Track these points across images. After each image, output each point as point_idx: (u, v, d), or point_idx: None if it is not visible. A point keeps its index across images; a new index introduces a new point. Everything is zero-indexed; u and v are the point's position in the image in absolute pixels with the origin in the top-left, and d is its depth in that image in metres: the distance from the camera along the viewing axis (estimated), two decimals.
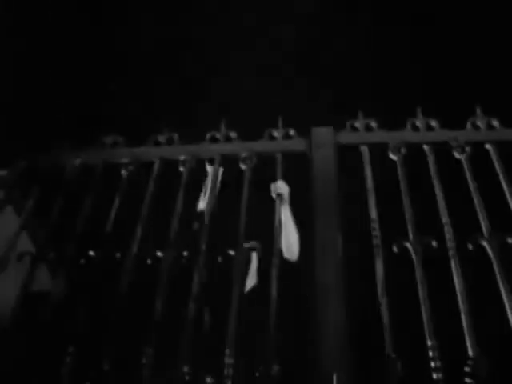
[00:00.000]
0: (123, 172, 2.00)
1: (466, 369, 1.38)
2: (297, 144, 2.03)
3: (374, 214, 1.81)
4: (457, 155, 1.89)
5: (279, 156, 1.99)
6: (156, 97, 4.40)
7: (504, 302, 1.50)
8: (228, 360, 1.47)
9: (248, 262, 2.54)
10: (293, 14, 4.41)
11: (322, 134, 2.00)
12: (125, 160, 2.03)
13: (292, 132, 2.05)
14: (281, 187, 2.19)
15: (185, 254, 1.72)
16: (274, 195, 2.17)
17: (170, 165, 2.04)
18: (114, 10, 4.33)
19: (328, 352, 1.45)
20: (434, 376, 1.38)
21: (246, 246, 1.74)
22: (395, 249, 1.65)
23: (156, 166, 2.02)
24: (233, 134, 2.09)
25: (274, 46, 4.37)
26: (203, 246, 1.74)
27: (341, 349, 1.46)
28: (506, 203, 1.72)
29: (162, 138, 2.10)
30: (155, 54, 4.42)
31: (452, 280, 1.58)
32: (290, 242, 2.66)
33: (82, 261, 1.75)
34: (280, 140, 2.04)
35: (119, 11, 4.33)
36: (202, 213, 2.42)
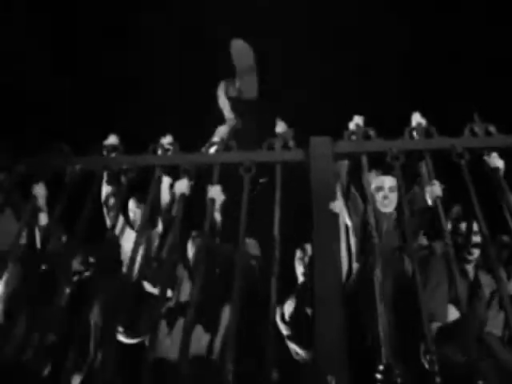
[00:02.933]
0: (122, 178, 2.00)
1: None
2: (295, 154, 2.02)
3: (372, 220, 1.82)
4: (456, 161, 1.88)
5: (278, 166, 1.99)
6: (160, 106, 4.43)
7: None
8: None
9: None
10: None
11: (321, 144, 1.98)
12: (124, 166, 2.03)
13: (291, 143, 2.05)
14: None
15: None
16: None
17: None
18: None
19: (325, 355, 1.44)
20: None
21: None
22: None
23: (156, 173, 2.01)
24: (232, 143, 2.09)
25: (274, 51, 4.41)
26: None
27: (338, 352, 1.45)
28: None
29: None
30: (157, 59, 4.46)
31: None
32: None
33: None
34: (279, 150, 2.04)
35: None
36: None
